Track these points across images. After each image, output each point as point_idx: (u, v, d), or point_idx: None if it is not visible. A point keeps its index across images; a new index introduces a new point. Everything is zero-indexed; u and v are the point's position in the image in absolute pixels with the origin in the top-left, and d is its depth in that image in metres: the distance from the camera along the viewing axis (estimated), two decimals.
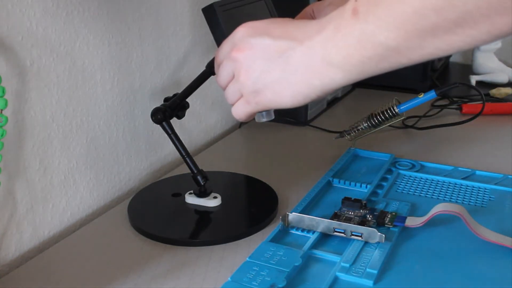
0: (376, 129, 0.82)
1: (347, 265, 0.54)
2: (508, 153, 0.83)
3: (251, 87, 0.50)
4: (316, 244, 0.59)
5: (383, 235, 0.57)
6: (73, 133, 0.65)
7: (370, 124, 0.81)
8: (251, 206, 0.69)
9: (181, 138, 0.67)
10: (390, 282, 0.52)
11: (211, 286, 0.53)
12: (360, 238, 0.58)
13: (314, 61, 0.47)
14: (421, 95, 0.79)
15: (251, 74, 0.50)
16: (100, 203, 0.71)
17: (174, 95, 0.68)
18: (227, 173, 0.77)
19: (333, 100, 1.10)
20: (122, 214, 0.67)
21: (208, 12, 0.57)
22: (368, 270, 0.53)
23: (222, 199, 0.67)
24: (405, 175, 0.75)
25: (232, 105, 0.54)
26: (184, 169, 0.80)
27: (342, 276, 0.53)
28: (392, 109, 0.80)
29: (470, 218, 0.58)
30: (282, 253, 0.56)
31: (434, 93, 0.79)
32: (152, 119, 0.66)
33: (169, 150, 0.84)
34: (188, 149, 0.67)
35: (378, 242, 0.57)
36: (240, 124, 1.00)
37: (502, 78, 1.21)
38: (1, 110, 0.50)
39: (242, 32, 0.51)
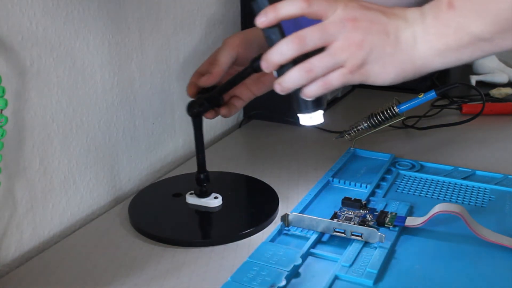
0: (376, 129, 0.82)
1: (347, 265, 0.54)
2: (508, 153, 0.83)
3: (361, 58, 0.51)
4: (316, 244, 0.59)
5: (383, 235, 0.57)
6: (73, 133, 0.65)
7: (370, 124, 0.81)
8: (252, 206, 0.69)
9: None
10: (390, 282, 0.52)
11: (211, 286, 0.53)
12: (360, 238, 0.58)
13: (420, 44, 0.51)
14: (421, 95, 0.79)
15: (366, 46, 0.51)
16: (100, 203, 0.71)
17: (213, 87, 0.65)
18: (227, 173, 0.77)
19: (333, 100, 1.10)
20: (122, 214, 0.67)
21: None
22: (368, 270, 0.53)
23: (222, 199, 0.67)
24: (405, 175, 0.75)
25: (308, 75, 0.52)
26: (184, 169, 0.80)
27: (342, 276, 0.53)
28: (392, 109, 0.80)
29: (470, 218, 0.58)
30: (282, 253, 0.56)
31: (434, 93, 0.79)
32: (189, 114, 0.64)
33: (169, 150, 0.84)
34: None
35: (378, 242, 0.57)
36: (240, 124, 1.00)
37: (502, 78, 1.21)
38: (1, 110, 0.50)
39: (355, 5, 0.51)
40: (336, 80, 0.52)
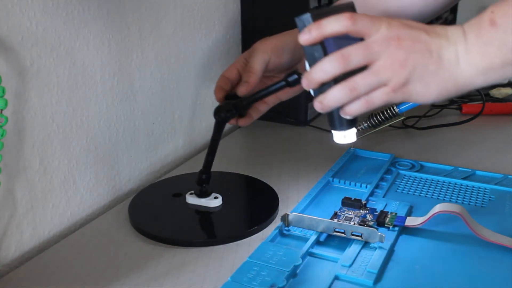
0: (376, 129, 0.82)
1: (347, 265, 0.54)
2: (508, 153, 0.83)
3: (404, 77, 0.50)
4: (316, 244, 0.59)
5: (383, 235, 0.57)
6: (73, 133, 0.65)
7: (370, 124, 0.82)
8: (252, 206, 0.69)
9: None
10: (390, 282, 0.52)
11: (211, 286, 0.53)
12: (360, 238, 0.58)
13: (462, 63, 0.50)
14: None
15: (409, 64, 0.50)
16: (100, 203, 0.71)
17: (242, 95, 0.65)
18: (227, 173, 0.77)
19: None
20: (122, 214, 0.67)
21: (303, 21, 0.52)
22: (368, 270, 0.53)
23: (222, 199, 0.67)
24: (405, 175, 0.75)
25: (354, 92, 0.51)
26: (184, 169, 0.80)
27: (342, 276, 0.53)
28: (392, 109, 0.80)
29: (470, 218, 0.58)
30: (282, 253, 0.56)
31: None
32: (216, 118, 0.64)
33: (169, 150, 0.84)
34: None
35: (378, 242, 0.57)
36: None
37: None
38: (1, 110, 0.50)
39: (398, 23, 0.51)
40: (378, 98, 0.51)
